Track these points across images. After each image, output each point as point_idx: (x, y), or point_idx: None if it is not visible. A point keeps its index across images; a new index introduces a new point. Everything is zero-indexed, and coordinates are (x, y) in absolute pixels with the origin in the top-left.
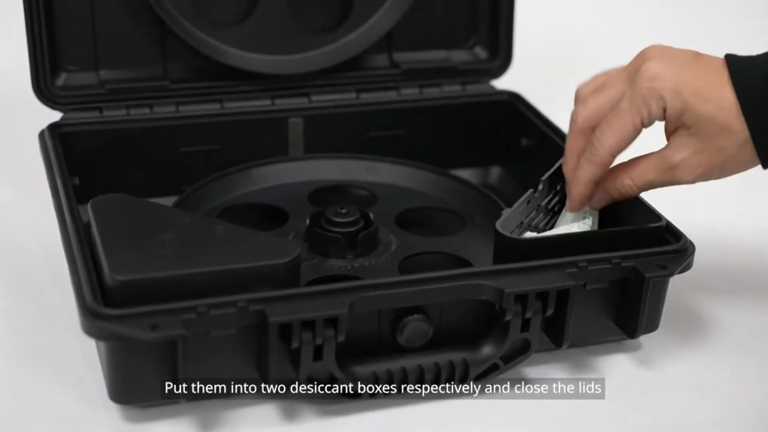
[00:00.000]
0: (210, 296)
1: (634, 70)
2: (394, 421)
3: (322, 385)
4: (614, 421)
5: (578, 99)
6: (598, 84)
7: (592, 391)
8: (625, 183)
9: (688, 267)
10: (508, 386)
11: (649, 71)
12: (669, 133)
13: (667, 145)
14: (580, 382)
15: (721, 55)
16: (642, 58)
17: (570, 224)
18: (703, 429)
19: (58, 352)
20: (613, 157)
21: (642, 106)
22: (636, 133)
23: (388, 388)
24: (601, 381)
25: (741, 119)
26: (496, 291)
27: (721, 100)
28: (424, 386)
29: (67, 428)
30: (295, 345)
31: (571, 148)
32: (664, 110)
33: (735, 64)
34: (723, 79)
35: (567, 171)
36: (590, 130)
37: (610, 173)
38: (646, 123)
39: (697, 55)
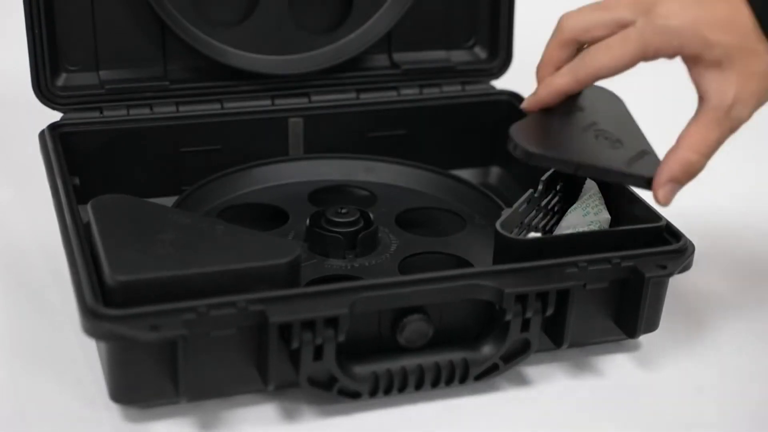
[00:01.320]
0: (210, 296)
1: (647, 3)
2: (393, 420)
3: (323, 386)
4: (614, 421)
5: (568, 12)
6: (598, 4)
7: (592, 391)
8: (692, 159)
9: (687, 267)
10: (508, 386)
11: (666, 7)
12: (698, 80)
13: (705, 97)
14: (579, 382)
15: None
16: None
17: (575, 229)
18: (703, 429)
19: (58, 352)
20: (598, 79)
21: (652, 41)
22: (633, 65)
23: (388, 388)
24: (600, 381)
25: (763, 40)
26: (496, 291)
27: (740, 26)
28: (423, 386)
29: (67, 428)
30: (295, 345)
31: (549, 55)
32: (677, 51)
33: None
34: (739, 5)
35: (540, 76)
36: (575, 43)
37: (667, 163)
38: (650, 58)
39: None
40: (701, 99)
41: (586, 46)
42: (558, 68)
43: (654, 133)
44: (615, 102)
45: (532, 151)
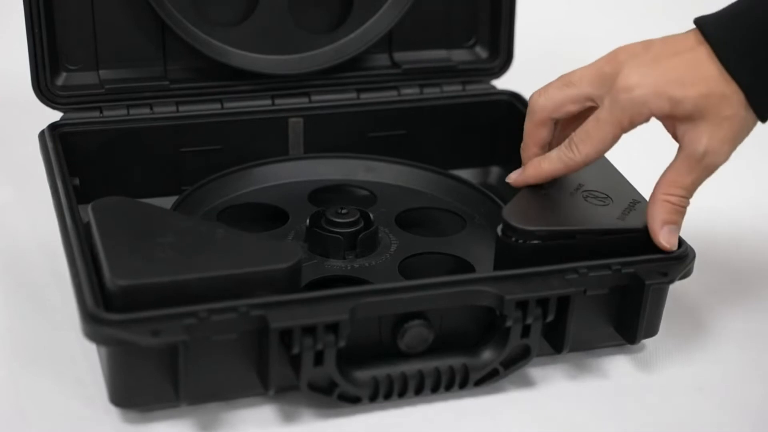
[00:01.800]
0: (211, 301)
1: (608, 77)
2: (393, 423)
3: (323, 390)
4: (615, 422)
5: (537, 92)
6: (563, 81)
7: (594, 392)
8: (672, 200)
9: (688, 273)
10: (510, 387)
11: (627, 80)
12: (673, 131)
13: (680, 145)
14: (581, 383)
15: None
16: (614, 63)
17: None
18: (704, 430)
19: (58, 352)
20: (588, 164)
21: (623, 118)
22: (615, 142)
23: (389, 393)
24: (602, 382)
25: (730, 82)
26: (497, 297)
27: (704, 75)
28: (423, 391)
29: (67, 428)
30: (295, 350)
31: (529, 136)
32: (649, 117)
33: (707, 28)
34: (699, 54)
35: (525, 156)
36: (549, 121)
37: (653, 209)
38: (627, 130)
39: (666, 41)
40: (679, 146)
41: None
42: (541, 146)
43: (639, 176)
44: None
45: (530, 229)
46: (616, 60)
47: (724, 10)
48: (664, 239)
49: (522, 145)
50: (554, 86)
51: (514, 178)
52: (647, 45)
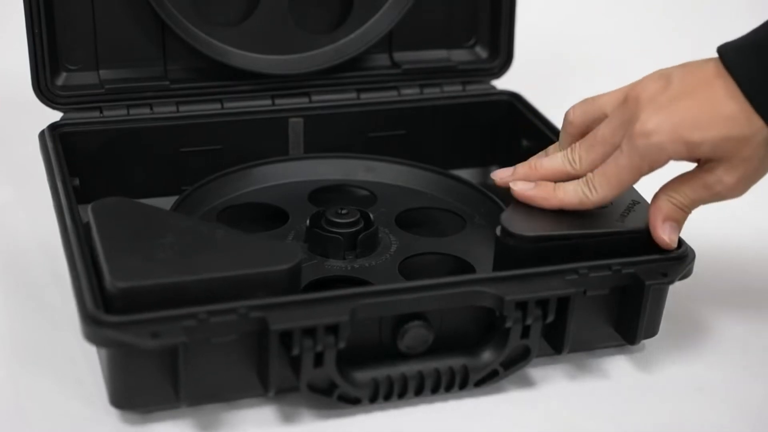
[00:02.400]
0: (211, 303)
1: (628, 117)
2: (394, 422)
3: (323, 391)
4: (614, 423)
5: (573, 106)
6: (588, 102)
7: (594, 392)
8: (675, 203)
9: (688, 274)
10: (510, 387)
11: (644, 126)
12: (696, 166)
13: (699, 166)
14: (581, 384)
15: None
16: (634, 103)
17: None
18: (704, 430)
19: (58, 352)
20: (603, 204)
21: (642, 164)
22: (634, 184)
23: (388, 394)
24: (602, 382)
25: (752, 120)
26: (497, 298)
27: (722, 116)
28: (423, 392)
29: (67, 428)
30: (295, 352)
31: (550, 174)
32: (668, 161)
33: (729, 58)
34: (717, 91)
35: (539, 184)
36: (579, 135)
37: (656, 205)
38: (647, 174)
39: (684, 74)
40: (697, 164)
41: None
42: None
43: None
44: None
45: (530, 235)
46: (636, 99)
47: (746, 38)
48: (665, 234)
49: (539, 174)
50: (581, 147)
51: (520, 189)
52: (666, 82)
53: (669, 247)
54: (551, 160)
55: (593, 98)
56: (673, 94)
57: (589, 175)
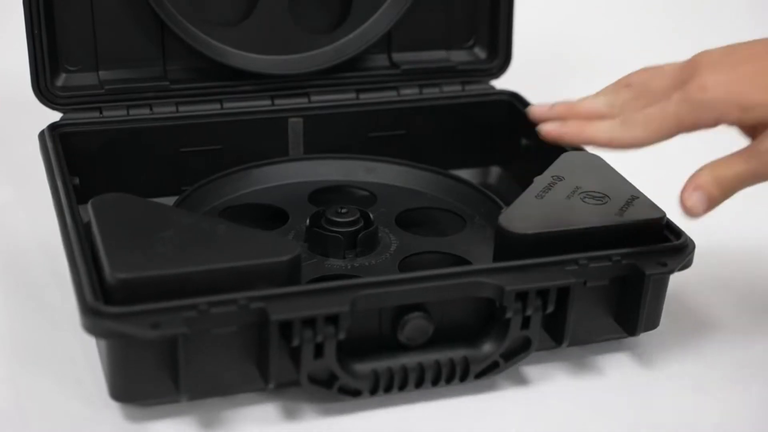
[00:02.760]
0: (211, 294)
1: (686, 74)
2: (394, 419)
3: (323, 383)
4: (614, 419)
5: (614, 93)
6: (640, 88)
7: (593, 390)
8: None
9: (688, 264)
10: (508, 385)
11: (701, 81)
12: (742, 131)
13: (752, 146)
14: (580, 381)
15: None
16: (693, 66)
17: None
18: (704, 428)
19: (58, 352)
20: (631, 149)
21: (687, 117)
22: (669, 138)
23: (389, 386)
24: (601, 380)
25: None
26: (497, 289)
27: None
28: (424, 384)
29: (67, 428)
30: (296, 343)
31: (586, 114)
32: (715, 123)
33: None
34: None
35: (570, 121)
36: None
37: (694, 175)
38: (687, 131)
39: (749, 45)
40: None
41: None
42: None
43: (639, 176)
44: (593, 160)
45: (530, 233)
46: (698, 63)
47: None
48: (689, 200)
49: (574, 105)
50: (643, 69)
51: (548, 129)
52: (730, 51)
53: (689, 212)
54: (592, 100)
55: (658, 65)
56: (736, 59)
57: (628, 114)
